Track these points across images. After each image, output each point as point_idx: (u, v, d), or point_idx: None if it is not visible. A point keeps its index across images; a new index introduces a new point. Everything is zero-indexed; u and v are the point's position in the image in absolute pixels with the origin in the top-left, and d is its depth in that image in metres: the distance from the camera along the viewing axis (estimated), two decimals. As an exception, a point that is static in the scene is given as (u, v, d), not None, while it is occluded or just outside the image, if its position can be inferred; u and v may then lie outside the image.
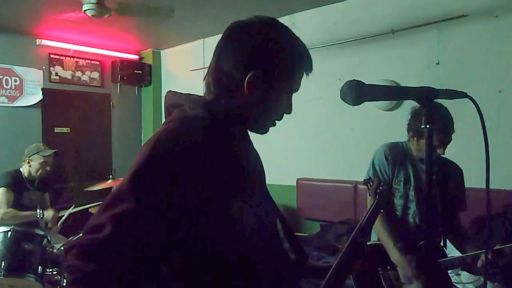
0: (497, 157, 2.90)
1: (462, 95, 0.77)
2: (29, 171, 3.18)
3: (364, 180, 1.78)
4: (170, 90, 0.99)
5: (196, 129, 0.85)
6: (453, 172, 2.04)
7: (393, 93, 0.81)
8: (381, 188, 1.39)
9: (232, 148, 0.91)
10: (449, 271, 2.12)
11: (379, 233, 1.98)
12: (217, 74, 0.93)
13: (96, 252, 0.73)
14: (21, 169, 3.22)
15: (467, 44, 3.23)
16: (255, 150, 1.06)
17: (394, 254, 1.93)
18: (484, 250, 1.82)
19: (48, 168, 3.21)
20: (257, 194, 0.96)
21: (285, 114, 0.97)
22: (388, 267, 1.96)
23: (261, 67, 0.89)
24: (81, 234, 0.79)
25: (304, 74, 0.96)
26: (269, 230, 0.97)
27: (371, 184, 1.42)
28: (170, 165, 0.78)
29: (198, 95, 0.96)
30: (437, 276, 1.88)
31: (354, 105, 0.77)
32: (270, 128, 0.98)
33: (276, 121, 0.97)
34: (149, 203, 0.76)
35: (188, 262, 0.83)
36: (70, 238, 2.87)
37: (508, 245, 1.78)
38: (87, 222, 0.78)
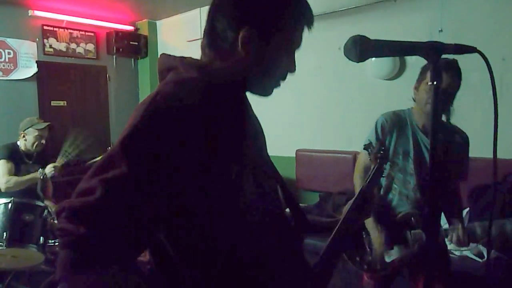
0: (500, 126, 2.88)
1: (471, 50, 0.74)
2: (25, 145, 3.17)
3: (364, 144, 1.75)
4: (163, 53, 0.94)
5: (191, 92, 0.80)
6: (458, 140, 1.96)
7: (398, 49, 0.78)
8: (382, 152, 1.37)
9: (230, 111, 0.86)
10: (447, 241, 2.14)
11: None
12: (211, 34, 0.89)
13: (87, 215, 0.70)
14: (18, 143, 3.20)
15: (470, 10, 3.15)
16: (255, 115, 1.01)
17: (369, 222, 1.93)
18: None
19: (43, 141, 3.20)
20: (257, 158, 0.93)
21: (289, 76, 0.91)
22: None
23: (256, 22, 0.84)
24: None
25: (306, 28, 0.89)
26: (269, 195, 0.94)
27: (372, 148, 1.40)
28: (165, 128, 0.74)
29: (193, 58, 0.91)
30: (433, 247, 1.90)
31: (358, 62, 0.74)
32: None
33: (281, 82, 0.92)
34: (142, 166, 0.73)
35: (185, 229, 0.81)
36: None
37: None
38: (78, 185, 0.75)
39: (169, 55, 0.92)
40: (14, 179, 3.01)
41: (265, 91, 0.93)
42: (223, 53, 0.87)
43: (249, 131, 0.93)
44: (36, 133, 3.15)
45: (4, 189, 2.95)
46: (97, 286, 0.72)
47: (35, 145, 3.16)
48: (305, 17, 0.89)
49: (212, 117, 0.80)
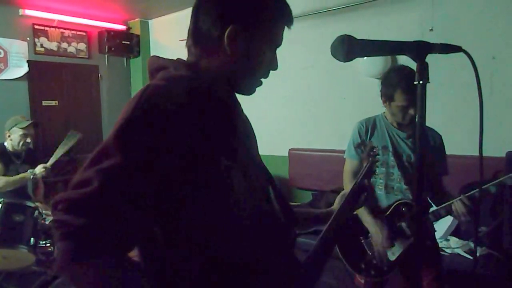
0: (489, 124, 2.91)
1: (456, 49, 0.74)
2: (12, 145, 3.15)
3: (356, 143, 1.78)
4: (153, 55, 0.97)
5: (181, 87, 0.82)
6: (432, 138, 2.07)
7: (385, 48, 0.78)
8: (374, 151, 1.38)
9: (219, 106, 0.89)
10: (438, 239, 2.17)
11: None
12: (196, 34, 0.92)
13: (84, 206, 0.71)
14: (5, 144, 3.17)
15: (461, 9, 3.18)
16: (245, 114, 1.04)
17: (367, 220, 2.00)
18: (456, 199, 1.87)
19: (28, 140, 3.17)
20: (246, 155, 0.94)
21: (274, 78, 0.95)
22: (369, 234, 2.01)
23: (240, 20, 0.87)
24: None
25: (286, 28, 0.94)
26: (259, 192, 0.95)
27: (364, 148, 1.41)
28: (156, 118, 0.75)
29: (182, 59, 0.94)
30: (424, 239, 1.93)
31: (345, 61, 0.75)
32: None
33: (262, 79, 0.95)
34: (135, 157, 0.74)
35: (175, 221, 0.81)
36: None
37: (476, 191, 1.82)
38: (73, 178, 0.75)
39: (159, 56, 0.95)
40: (4, 179, 2.98)
41: (248, 89, 0.96)
42: (209, 51, 0.90)
43: (238, 128, 0.95)
44: (21, 132, 3.12)
45: None
46: (97, 277, 0.72)
47: (20, 144, 3.13)
48: (286, 16, 0.93)
49: (201, 111, 0.82)
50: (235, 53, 0.88)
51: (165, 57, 0.94)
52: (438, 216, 1.95)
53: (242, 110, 1.02)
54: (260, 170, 1.01)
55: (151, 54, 6.24)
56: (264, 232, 0.92)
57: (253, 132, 1.05)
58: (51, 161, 3.23)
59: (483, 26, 3.07)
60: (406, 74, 1.90)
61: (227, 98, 0.95)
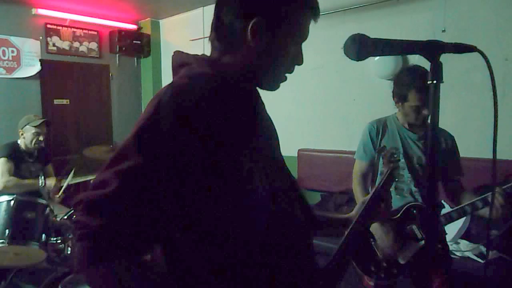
0: (502, 126, 2.87)
1: (471, 48, 0.74)
2: (25, 143, 3.19)
3: (378, 148, 1.78)
4: (177, 50, 0.95)
5: (205, 85, 0.80)
6: (444, 139, 2.04)
7: (398, 47, 0.78)
8: (395, 156, 1.36)
9: (243, 105, 0.87)
10: (448, 242, 2.14)
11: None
12: (219, 27, 0.89)
13: (102, 207, 0.71)
14: (18, 142, 3.22)
15: (473, 11, 3.14)
16: (267, 112, 1.00)
17: (372, 224, 1.96)
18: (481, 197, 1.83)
19: (41, 138, 3.20)
20: (270, 155, 0.93)
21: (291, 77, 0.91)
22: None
23: (264, 13, 0.84)
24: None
25: (312, 21, 0.92)
26: (281, 195, 0.92)
27: (385, 153, 1.39)
28: (178, 119, 0.73)
29: (206, 55, 0.92)
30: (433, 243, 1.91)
31: (357, 60, 0.75)
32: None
33: (287, 75, 0.92)
34: (155, 158, 0.72)
35: (199, 225, 0.80)
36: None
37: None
38: (94, 178, 0.76)
39: (183, 52, 0.93)
40: (15, 180, 3.02)
41: (272, 85, 0.93)
42: (233, 45, 0.88)
43: (262, 127, 0.93)
44: (33, 130, 3.16)
45: (1, 188, 2.95)
46: (113, 280, 0.72)
47: (33, 142, 3.17)
48: (312, 8, 0.90)
49: (224, 110, 0.80)
50: (259, 46, 0.86)
51: None
52: (450, 219, 1.92)
53: (265, 109, 0.99)
54: (282, 171, 0.99)
55: (162, 54, 6.28)
56: (284, 234, 0.90)
57: (276, 132, 1.03)
58: (63, 180, 3.22)
59: (496, 28, 3.03)
60: (419, 73, 1.88)
61: (251, 96, 0.93)
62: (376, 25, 3.61)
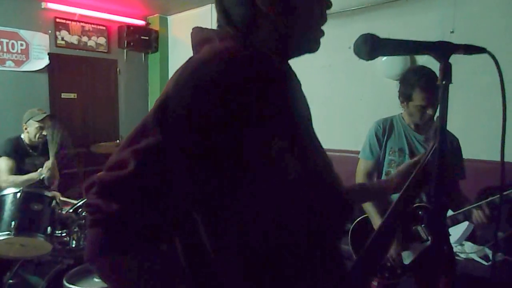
0: (509, 128, 2.85)
1: (481, 50, 0.74)
2: (28, 137, 3.22)
3: (373, 143, 1.77)
4: (196, 26, 0.85)
5: (229, 60, 0.71)
6: (449, 141, 2.04)
7: (408, 48, 0.78)
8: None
9: (277, 82, 0.76)
10: (453, 243, 2.14)
11: (364, 205, 2.02)
12: (224, 15, 0.82)
13: (119, 190, 0.64)
14: (22, 136, 3.25)
15: (483, 11, 3.12)
16: (300, 86, 0.88)
17: (377, 223, 1.97)
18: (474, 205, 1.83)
19: (44, 133, 3.22)
20: (306, 136, 0.83)
21: None
22: None
23: None
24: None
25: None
26: (316, 179, 0.82)
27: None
28: (201, 94, 0.66)
29: (228, 28, 0.82)
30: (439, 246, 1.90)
31: (368, 60, 0.75)
32: None
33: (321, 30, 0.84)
34: (176, 136, 0.65)
35: (224, 212, 0.72)
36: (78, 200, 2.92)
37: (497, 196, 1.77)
38: (109, 158, 0.68)
39: (202, 27, 0.84)
40: (11, 179, 3.03)
41: (313, 42, 0.84)
42: (247, 26, 0.80)
43: (297, 105, 0.84)
44: (37, 125, 3.19)
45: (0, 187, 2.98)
46: (128, 272, 0.66)
47: (36, 136, 3.20)
48: None
49: (252, 85, 0.70)
50: (277, 14, 0.78)
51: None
52: (456, 221, 1.92)
53: (300, 87, 0.87)
54: (319, 153, 0.88)
55: (169, 50, 6.27)
56: (318, 220, 0.81)
57: (310, 112, 0.91)
58: (50, 160, 3.20)
59: (505, 29, 3.01)
60: (425, 73, 1.89)
61: (285, 70, 0.83)
62: (385, 24, 3.60)
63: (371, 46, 0.73)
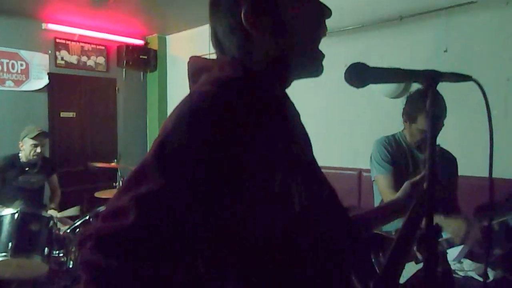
0: (504, 146, 2.88)
1: (467, 78, 0.76)
2: (25, 155, 3.24)
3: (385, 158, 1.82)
4: (193, 56, 0.83)
5: (232, 91, 0.68)
6: (447, 161, 2.06)
7: (398, 76, 0.80)
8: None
9: (278, 112, 0.75)
10: (451, 261, 2.14)
11: None
12: (216, 42, 0.80)
13: (118, 244, 0.57)
14: (19, 154, 3.27)
15: (475, 31, 3.18)
16: (299, 114, 0.86)
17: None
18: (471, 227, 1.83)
19: (38, 150, 3.25)
20: (308, 166, 0.81)
21: None
22: (381, 254, 1.99)
23: None
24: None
25: None
26: (321, 209, 0.80)
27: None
28: (205, 133, 0.62)
29: (227, 56, 0.79)
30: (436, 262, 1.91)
31: (358, 88, 0.77)
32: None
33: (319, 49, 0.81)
34: (180, 179, 0.60)
35: (229, 254, 0.68)
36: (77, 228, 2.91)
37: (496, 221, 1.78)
38: (106, 205, 0.63)
39: (200, 56, 0.83)
40: None
41: (314, 64, 0.82)
42: (239, 50, 0.77)
43: (298, 134, 0.82)
44: (31, 142, 3.22)
45: None
46: None
47: (31, 154, 3.22)
48: None
49: (255, 117, 0.68)
50: (265, 33, 0.74)
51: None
52: (452, 244, 1.92)
53: (299, 116, 0.85)
54: (321, 183, 0.86)
55: (168, 69, 6.32)
56: (323, 252, 0.78)
57: (309, 138, 0.88)
58: (61, 214, 3.20)
59: (498, 48, 3.06)
60: (434, 99, 1.88)
61: (284, 99, 0.80)
62: (380, 43, 3.66)
63: (361, 75, 0.75)
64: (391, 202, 1.09)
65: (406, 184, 1.10)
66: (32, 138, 3.21)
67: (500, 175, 2.74)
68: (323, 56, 0.82)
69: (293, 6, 0.76)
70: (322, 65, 0.82)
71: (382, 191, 2.10)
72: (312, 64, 0.82)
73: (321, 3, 0.79)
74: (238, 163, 0.63)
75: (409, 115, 1.98)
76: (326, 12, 0.79)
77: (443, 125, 1.89)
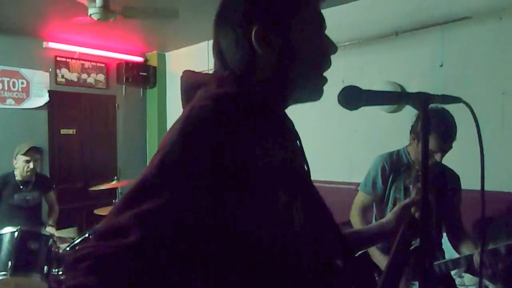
0: (501, 159, 2.89)
1: (456, 100, 0.78)
2: (19, 173, 3.25)
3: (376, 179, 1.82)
4: (187, 70, 0.82)
5: (231, 107, 0.68)
6: (450, 179, 2.06)
7: (390, 98, 0.82)
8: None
9: (278, 129, 0.76)
10: (452, 273, 2.13)
11: None
12: (220, 56, 0.79)
13: (120, 265, 0.53)
14: (14, 172, 3.27)
15: (471, 46, 3.22)
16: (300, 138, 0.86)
17: (376, 256, 1.96)
18: (477, 251, 1.84)
19: (31, 165, 3.25)
20: (307, 186, 0.82)
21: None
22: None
23: (262, 17, 0.74)
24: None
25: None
26: (318, 230, 0.80)
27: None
28: (207, 148, 0.61)
29: (224, 72, 0.78)
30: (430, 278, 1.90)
31: (351, 110, 0.79)
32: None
33: (325, 72, 0.81)
34: (184, 196, 0.58)
35: (230, 274, 0.66)
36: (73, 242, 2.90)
37: (502, 245, 1.78)
38: (102, 223, 0.59)
39: (194, 71, 0.81)
40: None
41: (315, 90, 0.81)
42: (243, 67, 0.76)
43: (298, 152, 0.82)
44: (23, 159, 3.23)
45: None
46: None
47: (24, 170, 3.22)
48: None
49: (256, 134, 0.69)
50: (273, 54, 0.74)
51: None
52: (457, 265, 1.91)
53: (299, 138, 0.84)
54: (318, 203, 0.86)
55: (167, 85, 6.36)
56: (320, 273, 0.78)
57: (305, 157, 0.87)
58: (58, 234, 3.19)
59: (493, 62, 3.10)
60: (445, 120, 1.84)
61: (281, 116, 0.80)
62: (377, 58, 3.70)
63: (354, 98, 0.77)
64: (380, 224, 1.09)
65: (397, 206, 1.09)
66: (24, 154, 3.22)
67: (499, 188, 2.75)
68: (325, 81, 0.82)
69: (304, 33, 0.76)
70: (322, 90, 0.82)
71: (354, 205, 2.17)
72: (312, 89, 0.82)
73: (329, 38, 0.80)
74: (239, 177, 0.63)
75: (417, 133, 1.95)
76: (332, 48, 0.80)
77: (451, 147, 1.88)
